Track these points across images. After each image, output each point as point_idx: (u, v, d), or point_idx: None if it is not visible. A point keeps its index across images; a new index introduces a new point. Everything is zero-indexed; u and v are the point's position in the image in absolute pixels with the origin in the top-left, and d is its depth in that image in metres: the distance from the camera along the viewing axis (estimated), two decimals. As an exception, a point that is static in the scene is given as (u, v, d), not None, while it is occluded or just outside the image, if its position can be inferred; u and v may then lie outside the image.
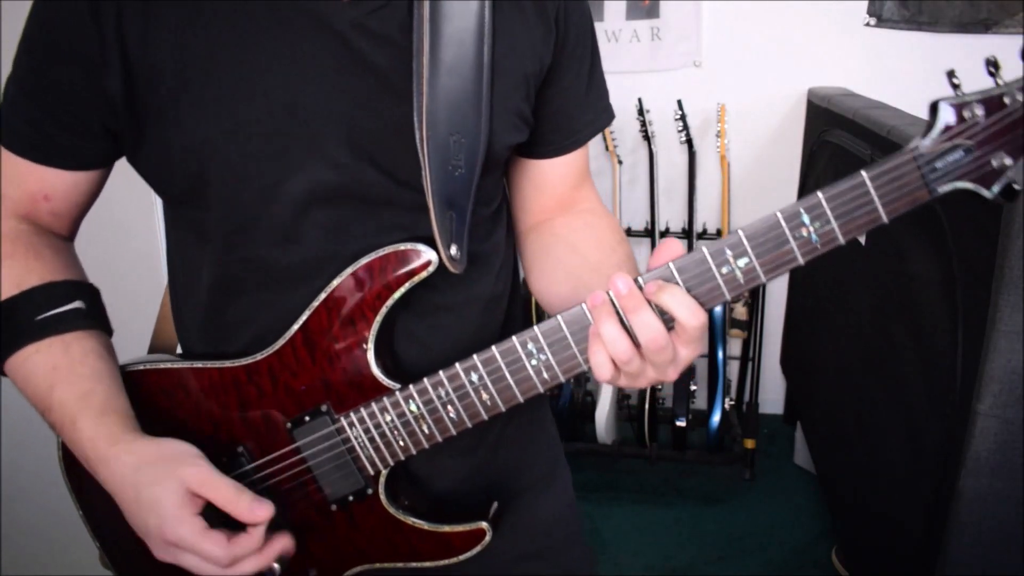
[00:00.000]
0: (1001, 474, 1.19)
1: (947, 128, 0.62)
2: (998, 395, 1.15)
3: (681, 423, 2.45)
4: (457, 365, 0.72)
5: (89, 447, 0.72)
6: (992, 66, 0.62)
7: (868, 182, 0.62)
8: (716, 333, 2.54)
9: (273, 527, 0.74)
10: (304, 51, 0.69)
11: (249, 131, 0.70)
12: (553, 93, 0.81)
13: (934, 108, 0.63)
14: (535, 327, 0.70)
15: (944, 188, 0.63)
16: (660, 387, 2.57)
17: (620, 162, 2.66)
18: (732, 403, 2.68)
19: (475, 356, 0.71)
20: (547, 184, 0.88)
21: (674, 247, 0.66)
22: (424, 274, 0.73)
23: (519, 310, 0.92)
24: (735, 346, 2.76)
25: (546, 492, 0.94)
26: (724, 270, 0.65)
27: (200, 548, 0.68)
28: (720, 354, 2.54)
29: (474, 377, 0.72)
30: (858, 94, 2.18)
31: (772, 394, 2.92)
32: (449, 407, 0.73)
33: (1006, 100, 0.61)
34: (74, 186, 0.78)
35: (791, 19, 2.50)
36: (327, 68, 0.70)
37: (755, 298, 2.64)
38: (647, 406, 2.50)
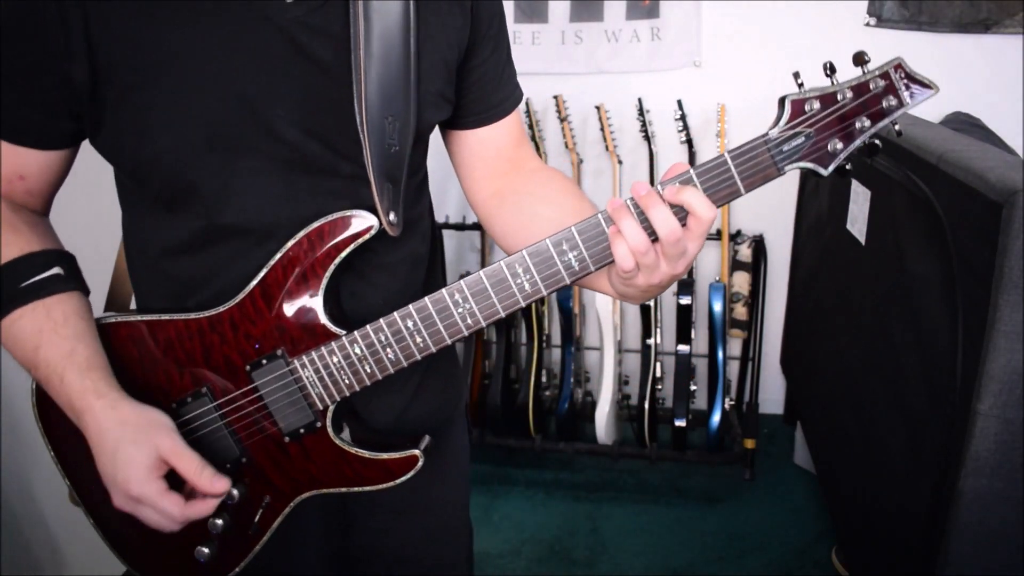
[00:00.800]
0: (1001, 474, 1.19)
1: (790, 118, 0.77)
2: (998, 395, 1.15)
3: (681, 423, 2.45)
4: (395, 313, 0.83)
5: (77, 399, 0.80)
6: (829, 69, 0.78)
7: (729, 162, 0.76)
8: (716, 333, 2.54)
9: (233, 463, 0.88)
10: (252, 45, 0.78)
11: (204, 117, 0.78)
12: (472, 67, 0.92)
13: (781, 102, 0.78)
14: (460, 281, 0.81)
15: (790, 167, 0.77)
16: (660, 387, 2.57)
17: (620, 162, 2.66)
18: (732, 403, 2.68)
19: (410, 306, 0.82)
20: (488, 149, 0.98)
21: (681, 167, 0.78)
22: (367, 236, 0.84)
23: (439, 268, 1.03)
24: (735, 346, 2.76)
25: (448, 435, 1.08)
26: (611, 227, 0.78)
27: (159, 505, 0.78)
28: (720, 354, 2.54)
29: (409, 323, 0.83)
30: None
31: (772, 394, 2.92)
32: (388, 349, 0.84)
33: (839, 97, 0.77)
34: (47, 165, 0.85)
35: (791, 19, 2.50)
36: (273, 59, 0.79)
37: (755, 298, 2.64)
38: (647, 406, 2.50)
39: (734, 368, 2.77)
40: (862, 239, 1.81)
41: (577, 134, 2.66)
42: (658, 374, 2.57)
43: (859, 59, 0.77)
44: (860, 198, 1.83)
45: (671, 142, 2.63)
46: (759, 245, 2.62)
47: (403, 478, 0.90)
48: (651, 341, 2.57)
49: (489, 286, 0.81)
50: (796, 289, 2.67)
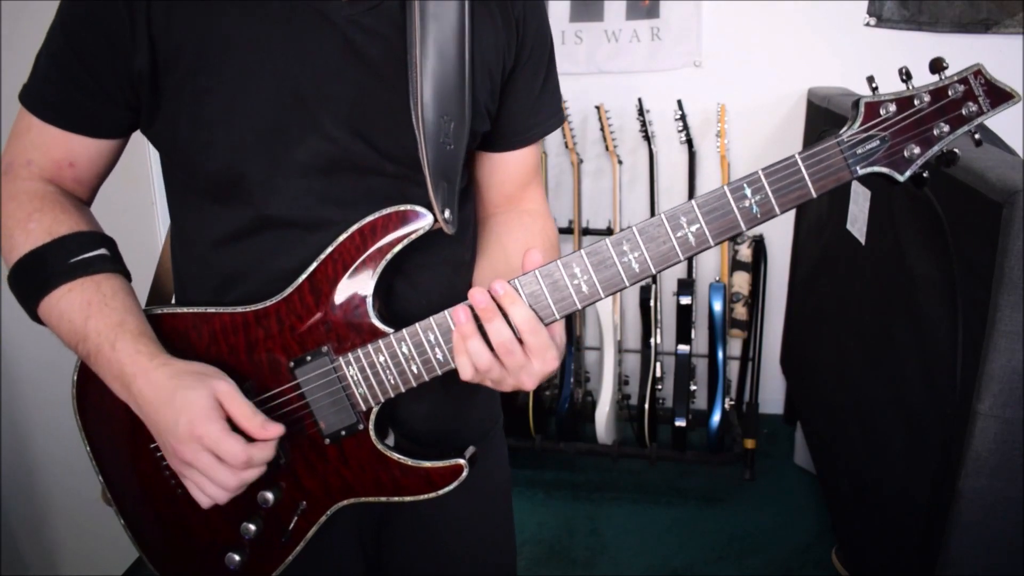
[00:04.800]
0: (1001, 474, 1.19)
1: (864, 121, 0.75)
2: (998, 395, 1.15)
3: (681, 423, 2.45)
4: (446, 312, 0.80)
5: (128, 362, 0.80)
6: (905, 75, 0.75)
7: (800, 162, 0.74)
8: (716, 333, 2.54)
9: (271, 464, 0.83)
10: (307, 42, 0.79)
11: (258, 108, 0.79)
12: (508, 92, 0.91)
13: (856, 104, 0.75)
14: (516, 279, 0.79)
15: (863, 171, 0.75)
16: (660, 387, 2.57)
17: (620, 162, 2.66)
18: (732, 403, 2.68)
19: (463, 304, 0.79)
20: (497, 178, 0.98)
21: (531, 258, 0.79)
22: (421, 232, 0.82)
23: None
24: (735, 346, 2.76)
25: (488, 443, 1.05)
26: (679, 234, 0.76)
27: (222, 443, 0.77)
28: (720, 354, 2.54)
29: None
30: (858, 94, 2.18)
31: (772, 394, 2.92)
32: (436, 349, 0.81)
33: (915, 101, 0.74)
34: (97, 154, 0.87)
35: (791, 19, 2.50)
36: (327, 57, 0.79)
37: (755, 298, 2.64)
38: (647, 406, 2.50)
39: (734, 368, 2.77)
40: (862, 239, 1.81)
41: (577, 134, 2.66)
42: (658, 374, 2.57)
43: (937, 65, 0.74)
44: (860, 198, 1.83)
45: (671, 142, 2.63)
46: (759, 245, 2.62)
47: (445, 489, 0.87)
48: (651, 341, 2.57)
49: (544, 286, 0.78)
50: (796, 289, 2.67)
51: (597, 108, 2.56)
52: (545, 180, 2.63)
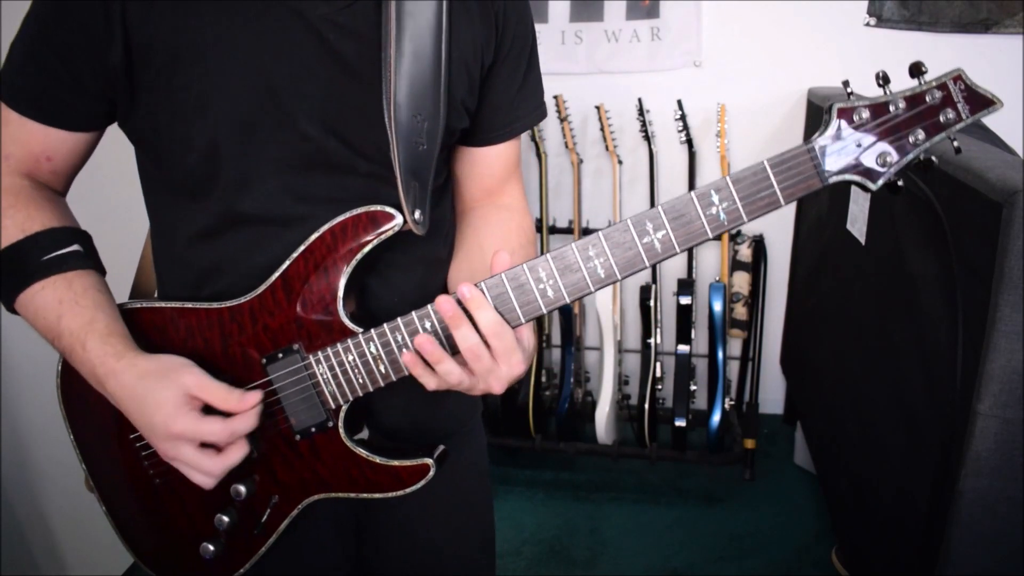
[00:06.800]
0: (1001, 474, 1.19)
1: (838, 127, 0.73)
2: (998, 395, 1.15)
3: (681, 423, 2.45)
4: (413, 313, 0.81)
5: (98, 363, 0.81)
6: (882, 79, 0.73)
7: (769, 170, 0.73)
8: (716, 333, 2.54)
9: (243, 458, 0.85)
10: (282, 39, 0.79)
11: (233, 104, 0.79)
12: (487, 88, 0.91)
13: (828, 110, 0.73)
14: (482, 282, 0.78)
15: (834, 179, 0.73)
16: (660, 387, 2.57)
17: (620, 162, 2.66)
18: (732, 403, 2.68)
19: (429, 306, 0.80)
20: (477, 172, 0.98)
21: (500, 260, 0.79)
22: (390, 233, 0.83)
23: None
24: (735, 346, 2.76)
25: (466, 434, 1.07)
26: (644, 240, 0.75)
27: (202, 431, 0.79)
28: (720, 354, 2.54)
29: (427, 324, 0.81)
30: (858, 94, 2.17)
31: (772, 394, 2.92)
32: (405, 349, 0.82)
33: (890, 108, 0.73)
34: (74, 147, 0.87)
35: (791, 19, 2.50)
36: (301, 55, 0.79)
37: (755, 298, 2.64)
38: (647, 406, 2.50)
39: (734, 368, 2.77)
40: (862, 239, 1.81)
41: (577, 134, 2.65)
42: (658, 374, 2.57)
43: (916, 70, 0.72)
44: (860, 198, 1.83)
45: (671, 142, 2.63)
46: (759, 245, 2.62)
47: (413, 487, 0.88)
48: (651, 341, 2.57)
49: (510, 289, 0.78)
50: (796, 289, 2.67)
51: (597, 108, 2.56)
52: (545, 180, 2.63)
